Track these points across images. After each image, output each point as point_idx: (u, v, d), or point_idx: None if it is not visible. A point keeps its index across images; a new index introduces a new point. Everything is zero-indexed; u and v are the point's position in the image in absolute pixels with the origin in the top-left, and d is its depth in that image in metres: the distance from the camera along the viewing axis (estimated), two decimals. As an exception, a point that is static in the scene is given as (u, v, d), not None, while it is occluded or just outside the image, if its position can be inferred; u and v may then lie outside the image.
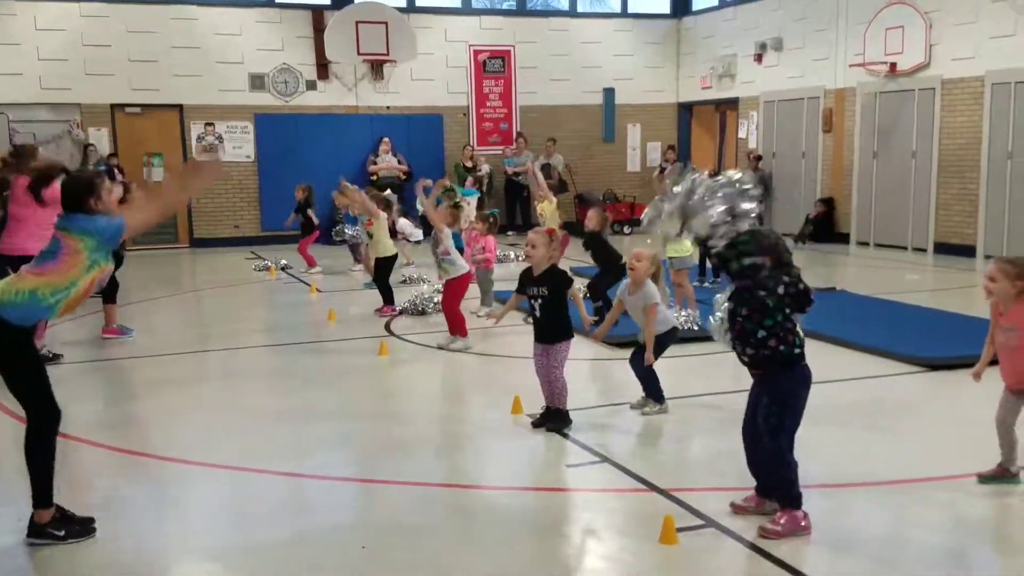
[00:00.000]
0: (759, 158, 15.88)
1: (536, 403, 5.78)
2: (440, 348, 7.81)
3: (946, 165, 13.12)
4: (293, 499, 4.74)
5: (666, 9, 18.54)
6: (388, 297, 9.62)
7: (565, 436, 5.39)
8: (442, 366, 7.51)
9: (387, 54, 15.76)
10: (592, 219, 8.72)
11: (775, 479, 4.13)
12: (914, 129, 13.55)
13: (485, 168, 16.54)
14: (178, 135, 15.63)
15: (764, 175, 15.55)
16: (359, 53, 15.67)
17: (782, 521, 4.03)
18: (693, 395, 6.27)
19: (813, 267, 11.73)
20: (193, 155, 15.55)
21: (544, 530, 4.29)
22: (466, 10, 17.49)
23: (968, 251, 12.82)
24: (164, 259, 14.69)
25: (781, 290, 3.96)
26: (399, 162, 16.31)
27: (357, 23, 15.59)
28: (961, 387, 6.38)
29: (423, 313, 9.45)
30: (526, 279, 5.32)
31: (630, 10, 18.38)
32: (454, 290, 7.98)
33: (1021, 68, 11.82)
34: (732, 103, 17.26)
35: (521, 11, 17.91)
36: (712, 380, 6.61)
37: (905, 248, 13.81)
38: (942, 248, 13.22)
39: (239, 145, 16.07)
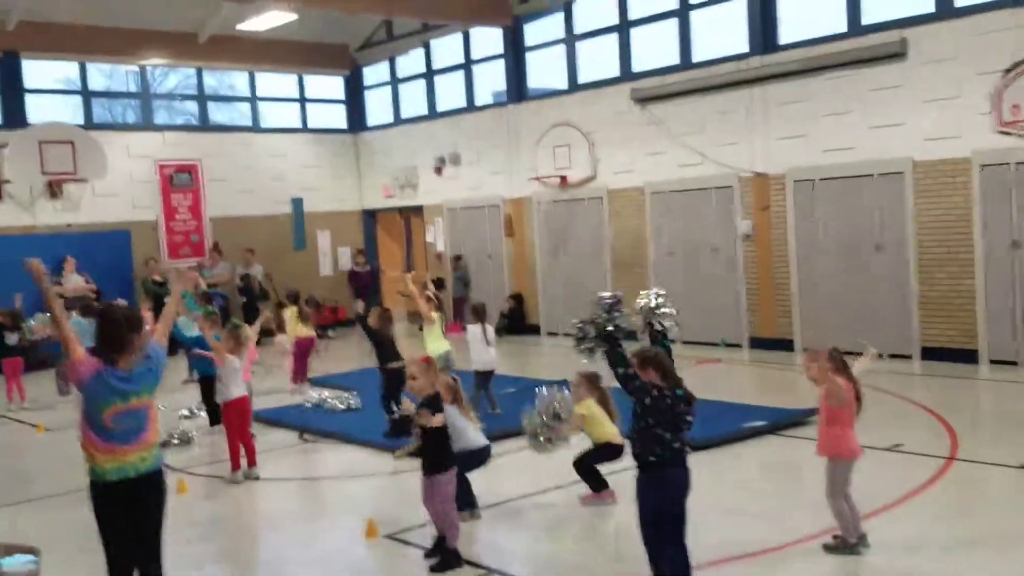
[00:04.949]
0: (459, 258, 17.24)
1: (385, 524, 6.23)
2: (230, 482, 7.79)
3: (618, 261, 15.28)
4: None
5: (343, 124, 19.53)
6: None
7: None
8: (253, 496, 7.54)
9: (75, 173, 14.97)
10: (372, 316, 9.31)
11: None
12: (587, 232, 15.62)
13: (178, 283, 16.09)
14: None
15: (464, 273, 16.92)
16: (43, 172, 14.75)
17: None
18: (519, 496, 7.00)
19: (511, 359, 13.01)
20: None
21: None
22: (147, 126, 17.20)
23: (643, 334, 14.98)
24: None
25: (647, 401, 4.81)
26: (87, 281, 15.40)
27: (40, 143, 14.70)
28: (712, 466, 7.67)
29: (189, 442, 9.32)
30: None
31: (310, 125, 19.16)
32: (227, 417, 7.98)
33: (671, 180, 14.27)
34: (417, 210, 18.54)
35: (204, 126, 17.95)
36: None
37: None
38: (621, 333, 15.24)
39: None
